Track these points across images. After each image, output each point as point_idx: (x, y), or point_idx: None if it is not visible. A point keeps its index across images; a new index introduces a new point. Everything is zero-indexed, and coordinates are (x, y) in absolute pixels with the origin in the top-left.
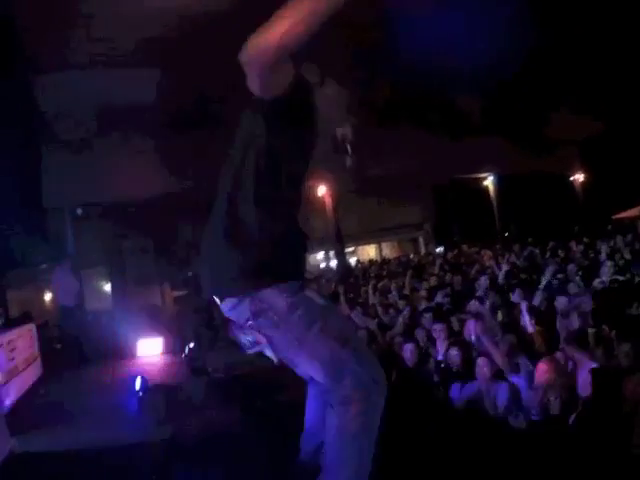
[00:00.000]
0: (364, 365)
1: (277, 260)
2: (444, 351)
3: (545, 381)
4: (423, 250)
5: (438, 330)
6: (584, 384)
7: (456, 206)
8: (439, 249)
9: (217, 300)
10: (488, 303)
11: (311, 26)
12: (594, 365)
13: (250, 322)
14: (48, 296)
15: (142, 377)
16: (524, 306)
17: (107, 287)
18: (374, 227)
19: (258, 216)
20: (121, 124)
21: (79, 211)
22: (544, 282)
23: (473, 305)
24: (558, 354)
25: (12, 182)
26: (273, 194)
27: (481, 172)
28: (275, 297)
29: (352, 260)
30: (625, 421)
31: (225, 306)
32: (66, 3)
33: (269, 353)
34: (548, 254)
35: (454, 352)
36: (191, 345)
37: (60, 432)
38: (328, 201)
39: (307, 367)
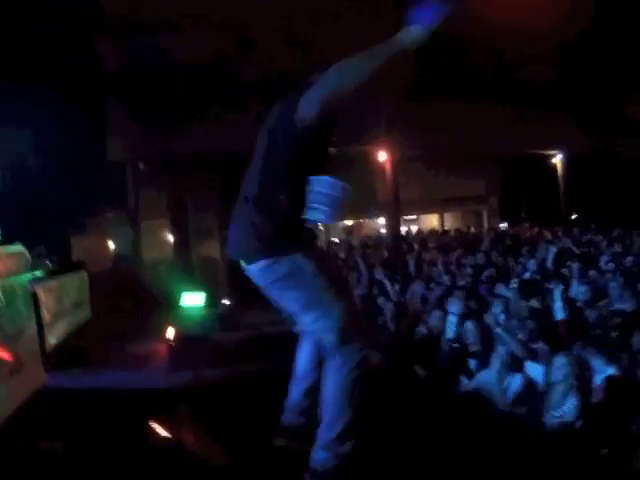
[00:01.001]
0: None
1: (300, 230)
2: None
3: (562, 377)
4: (486, 224)
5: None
6: (598, 390)
7: (523, 182)
8: (503, 224)
9: (243, 260)
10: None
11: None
12: (612, 371)
13: (280, 281)
14: (110, 244)
15: (173, 327)
16: (557, 292)
17: (167, 239)
18: (437, 196)
19: (284, 195)
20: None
21: (141, 165)
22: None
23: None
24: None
25: (78, 134)
26: (295, 182)
27: (550, 149)
28: (303, 260)
29: (414, 228)
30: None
31: (255, 266)
32: None
33: None
34: (604, 243)
35: (470, 326)
36: (224, 301)
37: (93, 371)
38: (388, 167)
39: (317, 323)
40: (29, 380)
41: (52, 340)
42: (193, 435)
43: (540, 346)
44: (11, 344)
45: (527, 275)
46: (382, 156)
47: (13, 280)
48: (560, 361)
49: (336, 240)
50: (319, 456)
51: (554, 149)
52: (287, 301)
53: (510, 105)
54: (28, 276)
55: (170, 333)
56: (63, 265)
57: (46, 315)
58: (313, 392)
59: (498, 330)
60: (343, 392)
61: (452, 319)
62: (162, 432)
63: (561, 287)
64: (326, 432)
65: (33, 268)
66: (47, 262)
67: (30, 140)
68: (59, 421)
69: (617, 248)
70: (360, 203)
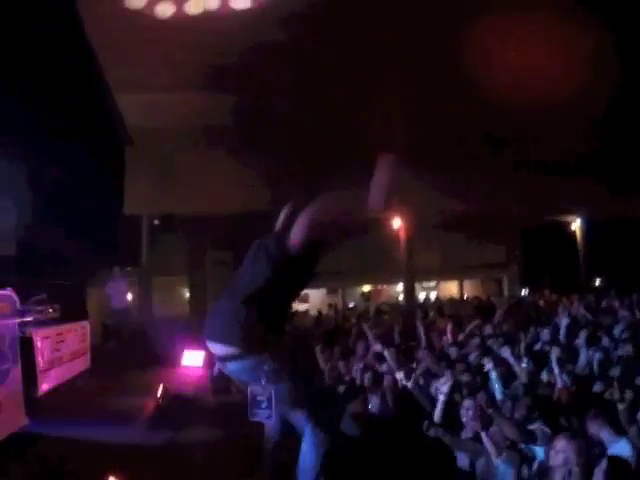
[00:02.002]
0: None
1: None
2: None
3: (562, 461)
4: (506, 292)
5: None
6: (598, 472)
7: (544, 248)
8: (524, 291)
9: (222, 352)
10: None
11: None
12: (622, 442)
13: (265, 377)
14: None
15: (164, 385)
16: (553, 356)
17: (179, 295)
18: (457, 263)
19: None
20: (203, 141)
21: (156, 221)
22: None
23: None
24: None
25: (97, 191)
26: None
27: (570, 214)
28: (283, 359)
29: (433, 295)
30: None
31: (238, 363)
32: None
33: None
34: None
35: (465, 406)
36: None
37: (74, 421)
38: (402, 234)
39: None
40: (6, 422)
41: (45, 386)
42: None
43: (538, 426)
44: None
45: (538, 346)
46: (396, 223)
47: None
48: (560, 444)
49: (351, 305)
50: None
51: (574, 214)
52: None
53: (529, 170)
54: (14, 321)
55: (160, 391)
56: (65, 314)
57: (40, 361)
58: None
59: (490, 412)
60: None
61: (441, 398)
62: None
63: (558, 352)
64: None
65: (22, 313)
66: (49, 309)
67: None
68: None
69: (637, 314)
70: (378, 269)
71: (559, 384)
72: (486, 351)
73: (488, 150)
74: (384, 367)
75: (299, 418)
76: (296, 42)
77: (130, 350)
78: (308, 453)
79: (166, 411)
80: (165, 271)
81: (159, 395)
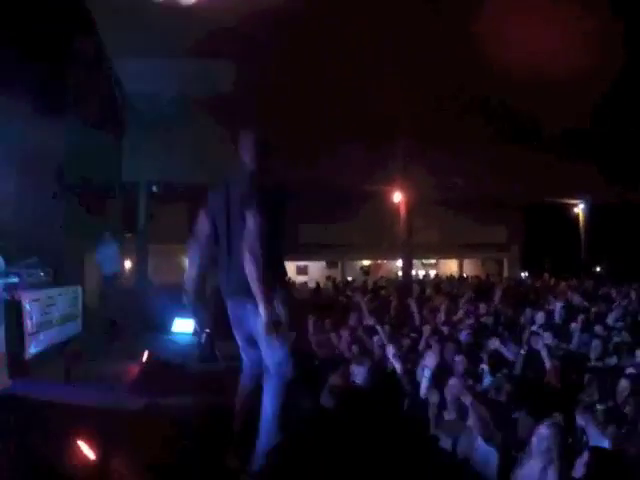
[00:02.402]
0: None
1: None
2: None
3: (544, 449)
4: (506, 273)
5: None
6: (579, 463)
7: (546, 231)
8: (524, 274)
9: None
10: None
11: None
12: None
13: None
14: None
15: (149, 352)
16: (542, 341)
17: (176, 263)
18: (457, 242)
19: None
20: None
21: (154, 188)
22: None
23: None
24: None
25: (96, 155)
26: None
27: (574, 198)
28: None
29: (432, 273)
30: None
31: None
32: None
33: None
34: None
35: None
36: (207, 330)
37: (58, 384)
38: (403, 209)
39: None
40: None
41: (33, 349)
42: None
43: (521, 415)
44: None
45: (534, 328)
46: (397, 197)
47: None
48: (544, 431)
49: (350, 279)
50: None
51: (577, 198)
52: None
53: (534, 151)
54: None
55: (145, 357)
56: (58, 278)
57: (29, 324)
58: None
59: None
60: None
61: (427, 374)
62: (85, 451)
63: (549, 338)
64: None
65: (6, 275)
66: (41, 273)
67: (49, 151)
68: None
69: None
70: (378, 244)
71: (547, 365)
72: (479, 331)
73: (490, 127)
74: (375, 340)
75: (274, 350)
76: (296, 8)
77: (123, 316)
78: (268, 405)
79: (149, 377)
80: (163, 239)
81: (144, 361)
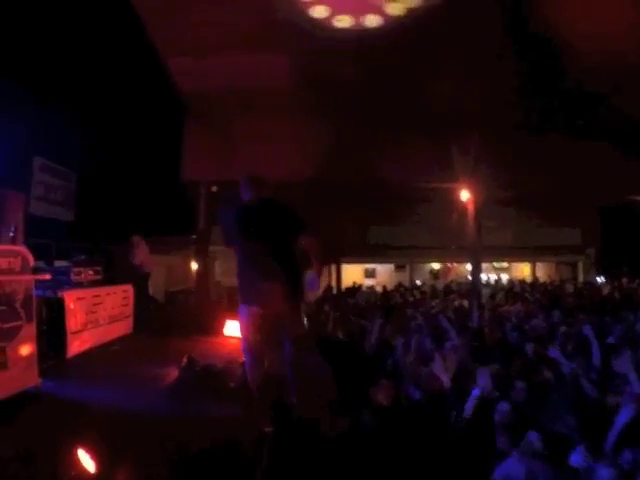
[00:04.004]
0: None
1: None
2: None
3: None
4: (581, 277)
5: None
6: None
7: (625, 233)
8: (600, 278)
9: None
10: None
11: None
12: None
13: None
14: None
15: (189, 356)
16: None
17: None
18: (529, 244)
19: None
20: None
21: (214, 188)
22: None
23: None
24: None
25: (156, 155)
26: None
27: None
28: None
29: (504, 277)
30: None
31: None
32: None
33: None
34: None
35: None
36: None
37: (88, 384)
38: (471, 208)
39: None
40: (14, 379)
41: (75, 348)
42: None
43: (581, 452)
44: None
45: (611, 340)
46: (465, 195)
47: (8, 279)
48: (603, 475)
49: (419, 283)
50: None
51: None
52: None
53: (613, 148)
54: (28, 278)
55: (184, 362)
56: (109, 277)
57: (72, 323)
58: None
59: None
60: None
61: (475, 394)
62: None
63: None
64: None
65: (36, 271)
66: (89, 272)
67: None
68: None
69: None
70: (447, 246)
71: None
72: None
73: (562, 120)
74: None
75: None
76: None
77: (180, 318)
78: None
79: (185, 383)
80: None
81: (182, 365)
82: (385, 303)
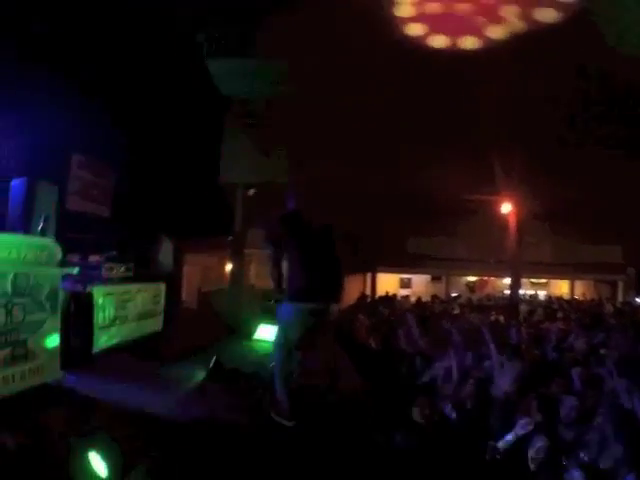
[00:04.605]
0: None
1: None
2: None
3: None
4: (621, 297)
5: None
6: None
7: None
8: (639, 299)
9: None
10: None
11: None
12: None
13: None
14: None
15: (216, 358)
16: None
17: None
18: (568, 260)
19: None
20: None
21: (251, 191)
22: None
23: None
24: None
25: (196, 157)
26: None
27: None
28: None
29: (542, 293)
30: None
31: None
32: None
33: None
34: None
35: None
36: None
37: (110, 380)
38: (512, 221)
39: None
40: (36, 371)
41: (103, 343)
42: None
43: None
44: (20, 332)
45: None
46: (506, 208)
47: (34, 271)
48: None
49: (454, 294)
50: None
51: None
52: None
53: None
54: (54, 271)
55: (212, 364)
56: (141, 274)
57: (100, 317)
58: None
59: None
60: None
61: (509, 437)
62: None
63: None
64: None
65: (63, 264)
66: (121, 268)
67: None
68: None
69: None
70: (484, 259)
71: None
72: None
73: (603, 134)
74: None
75: None
76: None
77: (211, 318)
78: None
79: (210, 386)
80: (253, 243)
81: (210, 367)
82: (420, 312)
